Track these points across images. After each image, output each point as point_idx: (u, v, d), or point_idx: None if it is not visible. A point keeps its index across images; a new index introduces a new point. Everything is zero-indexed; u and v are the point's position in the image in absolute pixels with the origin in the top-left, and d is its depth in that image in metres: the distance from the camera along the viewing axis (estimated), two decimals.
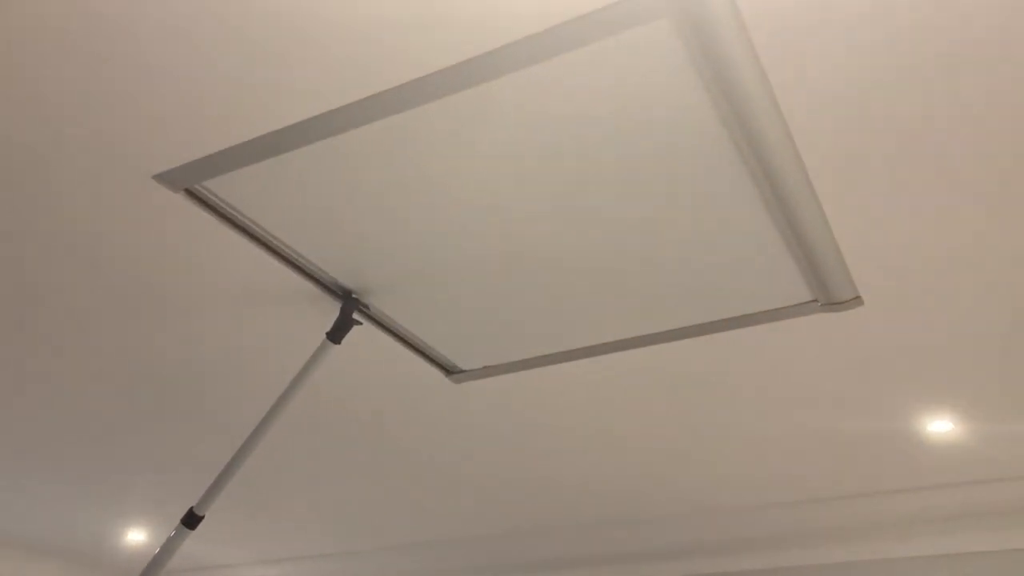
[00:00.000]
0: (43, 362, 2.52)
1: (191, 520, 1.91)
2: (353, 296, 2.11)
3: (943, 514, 3.12)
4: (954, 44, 1.38)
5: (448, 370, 2.48)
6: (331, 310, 2.14)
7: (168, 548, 1.89)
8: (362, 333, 2.25)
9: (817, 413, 2.60)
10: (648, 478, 3.15)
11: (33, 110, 1.58)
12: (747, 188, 1.71)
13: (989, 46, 1.38)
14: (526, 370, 2.44)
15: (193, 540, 4.12)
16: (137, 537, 4.17)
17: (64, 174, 1.74)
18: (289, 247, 1.96)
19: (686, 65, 1.42)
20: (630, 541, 3.67)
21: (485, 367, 2.46)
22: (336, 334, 2.08)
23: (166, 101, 1.54)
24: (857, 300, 2.03)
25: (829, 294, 2.01)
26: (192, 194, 1.79)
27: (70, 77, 1.50)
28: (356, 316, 2.11)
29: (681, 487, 3.21)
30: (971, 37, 1.37)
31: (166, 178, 1.73)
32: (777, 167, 1.64)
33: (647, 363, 2.37)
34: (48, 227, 1.91)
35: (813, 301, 2.05)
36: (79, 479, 3.46)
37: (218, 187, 1.77)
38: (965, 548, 3.10)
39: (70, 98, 1.55)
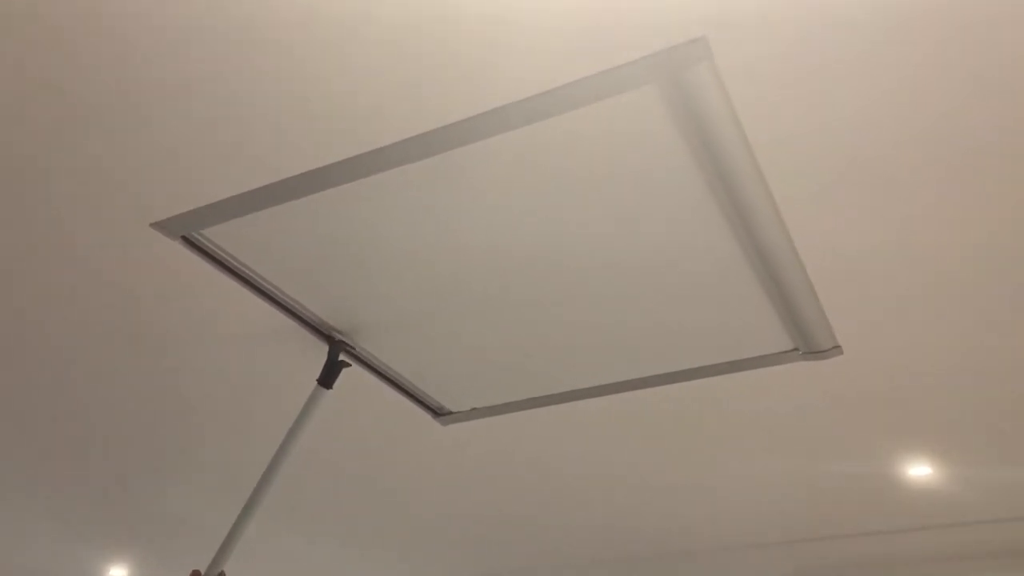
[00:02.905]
0: (34, 400, 2.52)
1: None
2: (339, 339, 2.13)
3: (922, 556, 3.16)
4: (927, 77, 1.45)
5: (436, 412, 2.51)
6: (323, 354, 2.17)
7: None
8: (350, 375, 2.27)
9: (798, 458, 2.64)
10: (632, 520, 3.17)
11: (32, 155, 1.61)
12: (729, 242, 1.76)
13: (966, 80, 1.45)
14: (513, 412, 2.47)
15: None
16: (119, 574, 4.14)
17: (63, 219, 1.77)
18: (280, 291, 1.99)
19: (669, 125, 1.48)
20: None
21: (473, 409, 2.49)
22: (327, 379, 2.11)
23: (165, 153, 1.58)
24: (837, 349, 2.08)
25: (809, 343, 2.06)
26: (189, 241, 1.82)
27: (69, 126, 1.54)
28: (344, 358, 2.14)
29: (664, 529, 3.24)
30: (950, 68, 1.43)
31: (163, 226, 1.76)
32: (757, 221, 1.69)
33: (632, 407, 2.41)
34: (45, 268, 1.93)
35: (794, 350, 2.10)
36: (61, 515, 3.43)
37: (214, 234, 1.80)
38: None
39: (69, 148, 1.58)
